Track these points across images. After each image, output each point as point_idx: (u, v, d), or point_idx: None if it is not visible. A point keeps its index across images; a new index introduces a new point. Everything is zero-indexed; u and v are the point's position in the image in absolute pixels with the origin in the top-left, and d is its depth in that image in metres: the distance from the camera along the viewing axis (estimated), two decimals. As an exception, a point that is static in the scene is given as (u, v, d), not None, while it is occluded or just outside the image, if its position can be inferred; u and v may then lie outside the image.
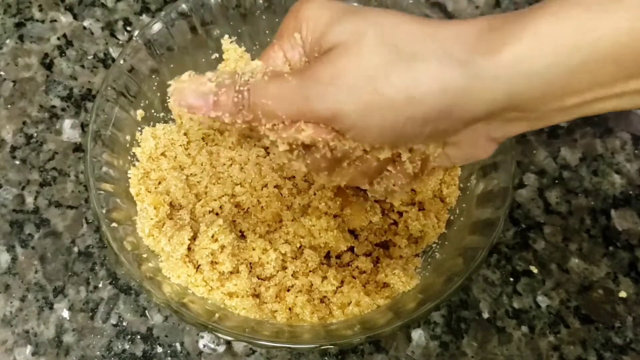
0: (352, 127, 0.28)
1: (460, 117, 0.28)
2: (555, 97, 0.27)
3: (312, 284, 0.39)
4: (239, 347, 0.42)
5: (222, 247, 0.38)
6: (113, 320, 0.42)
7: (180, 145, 0.43)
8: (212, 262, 0.38)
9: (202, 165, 0.43)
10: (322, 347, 0.35)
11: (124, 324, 0.42)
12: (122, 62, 0.40)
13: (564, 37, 0.25)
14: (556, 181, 0.48)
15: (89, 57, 0.51)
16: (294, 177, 0.42)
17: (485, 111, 0.28)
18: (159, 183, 0.41)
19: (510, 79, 0.26)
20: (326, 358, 0.41)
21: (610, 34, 0.25)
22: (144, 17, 0.53)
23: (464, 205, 0.41)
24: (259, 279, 0.39)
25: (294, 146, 0.31)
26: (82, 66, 0.51)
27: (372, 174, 0.34)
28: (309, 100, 0.28)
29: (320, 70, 0.28)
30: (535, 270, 0.45)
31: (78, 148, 0.48)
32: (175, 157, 0.43)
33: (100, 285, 0.43)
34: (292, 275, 0.39)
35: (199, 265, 0.38)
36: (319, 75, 0.28)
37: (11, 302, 0.43)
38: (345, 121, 0.28)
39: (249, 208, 0.42)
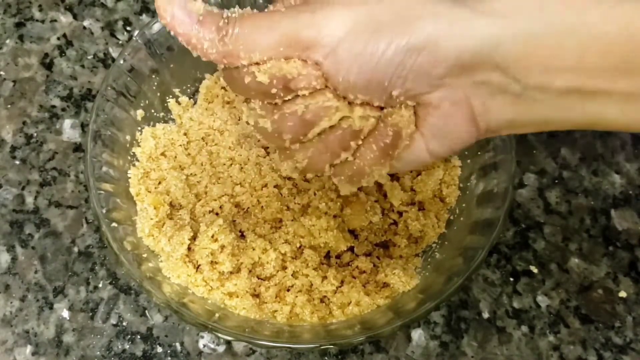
0: (331, 53, 0.27)
1: (445, 55, 0.27)
2: (540, 61, 0.26)
3: (312, 284, 0.39)
4: (239, 347, 0.42)
5: (222, 247, 0.38)
6: (113, 320, 0.42)
7: (180, 145, 0.43)
8: (212, 262, 0.38)
9: (202, 165, 0.43)
10: (322, 347, 0.35)
11: (124, 324, 0.42)
12: (122, 62, 0.40)
13: (553, 5, 0.26)
14: (556, 181, 0.48)
15: (89, 57, 0.51)
16: (294, 177, 0.42)
17: (470, 52, 0.27)
18: (159, 183, 0.42)
19: (497, 21, 0.26)
20: (326, 358, 0.41)
21: (600, 22, 0.25)
22: (144, 17, 0.53)
23: (464, 205, 0.41)
24: (259, 279, 0.39)
25: (273, 82, 0.29)
26: (82, 66, 0.51)
27: (336, 150, 0.32)
28: (294, 23, 0.27)
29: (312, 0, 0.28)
30: (535, 270, 0.45)
31: (78, 148, 0.48)
32: (175, 157, 0.43)
33: (100, 285, 0.43)
34: (292, 275, 0.39)
35: (199, 265, 0.38)
36: (308, 2, 0.28)
37: (11, 302, 0.43)
38: (326, 43, 0.27)
39: (249, 208, 0.42)
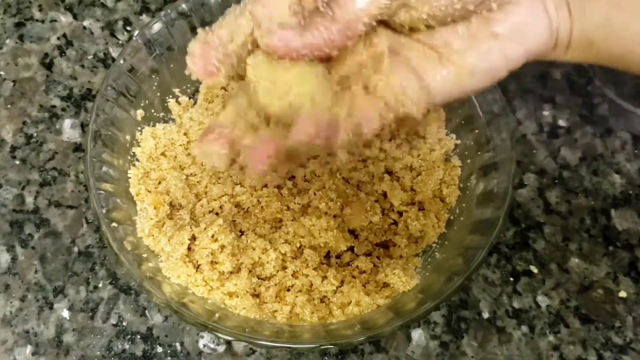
0: None
1: None
2: None
3: (312, 284, 0.39)
4: (239, 347, 0.42)
5: (222, 247, 0.38)
6: (113, 320, 0.42)
7: (180, 145, 0.43)
8: (212, 262, 0.38)
9: (202, 165, 0.43)
10: (322, 347, 0.35)
11: (124, 324, 0.42)
12: (122, 62, 0.40)
13: None
14: (556, 181, 0.48)
15: (89, 57, 0.51)
16: (294, 177, 0.42)
17: None
18: (159, 183, 0.42)
19: None
20: (326, 358, 0.41)
21: None
22: (144, 17, 0.53)
23: (464, 205, 0.41)
24: (259, 278, 0.39)
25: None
26: (82, 66, 0.51)
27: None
28: None
29: None
30: (535, 270, 0.45)
31: (78, 148, 0.48)
32: (175, 157, 0.43)
33: (100, 285, 0.43)
34: (292, 275, 0.39)
35: (199, 265, 0.38)
36: None
37: (11, 302, 0.43)
38: None
39: (249, 208, 0.42)
